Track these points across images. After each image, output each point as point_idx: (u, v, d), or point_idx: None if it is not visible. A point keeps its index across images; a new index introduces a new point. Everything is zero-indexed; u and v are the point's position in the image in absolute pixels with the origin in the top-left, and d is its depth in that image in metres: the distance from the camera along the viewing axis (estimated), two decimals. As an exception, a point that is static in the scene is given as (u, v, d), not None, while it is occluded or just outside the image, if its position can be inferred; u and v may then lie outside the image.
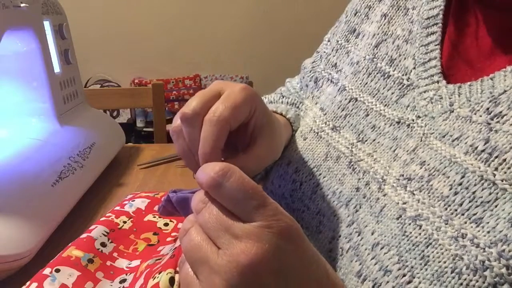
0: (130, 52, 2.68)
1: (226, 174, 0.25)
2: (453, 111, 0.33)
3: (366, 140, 0.40)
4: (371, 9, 0.48)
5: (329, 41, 0.53)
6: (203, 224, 0.26)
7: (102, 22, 2.61)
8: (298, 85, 0.59)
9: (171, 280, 0.34)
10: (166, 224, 0.51)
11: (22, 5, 0.59)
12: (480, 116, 0.31)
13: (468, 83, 0.33)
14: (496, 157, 0.28)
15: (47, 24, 0.68)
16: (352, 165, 0.39)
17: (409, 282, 0.29)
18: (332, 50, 0.51)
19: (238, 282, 0.23)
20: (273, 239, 0.24)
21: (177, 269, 0.35)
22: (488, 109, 0.31)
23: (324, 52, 0.53)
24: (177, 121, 0.34)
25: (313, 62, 0.55)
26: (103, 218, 0.50)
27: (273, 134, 0.38)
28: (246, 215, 0.25)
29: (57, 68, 0.70)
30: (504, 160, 0.28)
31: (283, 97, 0.56)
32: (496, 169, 0.28)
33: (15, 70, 0.66)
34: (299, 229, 0.26)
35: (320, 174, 0.42)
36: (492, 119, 0.30)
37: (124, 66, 2.70)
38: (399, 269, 0.30)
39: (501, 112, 0.30)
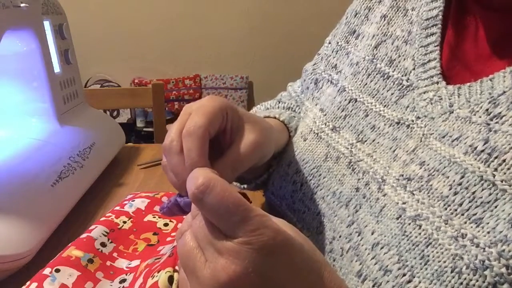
0: (130, 52, 2.68)
1: (206, 190, 0.24)
2: (452, 112, 0.33)
3: (365, 141, 0.40)
4: (371, 10, 0.48)
5: (329, 43, 0.54)
6: (195, 232, 0.26)
7: (102, 22, 2.61)
8: (300, 88, 0.59)
9: (170, 279, 0.34)
10: (166, 224, 0.51)
11: (22, 5, 0.59)
12: (480, 117, 0.31)
13: (468, 84, 0.33)
14: (496, 157, 0.28)
15: (47, 24, 0.68)
16: (352, 165, 0.40)
17: (409, 281, 0.29)
18: (332, 52, 0.51)
19: None
20: (253, 255, 0.23)
21: (176, 267, 0.35)
22: (487, 110, 0.31)
23: (325, 54, 0.53)
24: (163, 157, 0.36)
25: (314, 65, 0.55)
26: (103, 218, 0.50)
27: (254, 131, 0.37)
28: (228, 230, 0.24)
29: (57, 68, 0.70)
30: (504, 160, 0.28)
31: (280, 102, 0.57)
32: (495, 169, 0.28)
33: (15, 70, 0.66)
34: (284, 240, 0.25)
35: (320, 175, 0.42)
36: (491, 119, 0.30)
37: (124, 66, 2.70)
38: (399, 268, 0.30)
39: (500, 112, 0.30)
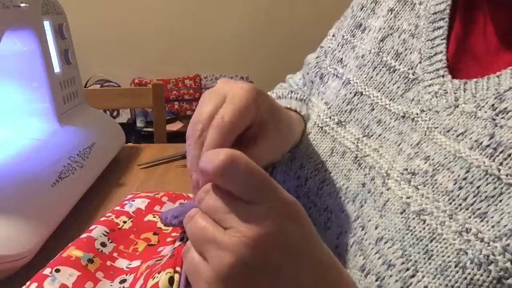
0: (130, 52, 2.68)
1: (232, 161, 0.25)
2: (458, 106, 0.33)
3: (372, 135, 0.39)
4: (377, 4, 0.47)
5: (333, 36, 0.53)
6: (207, 210, 0.26)
7: (102, 22, 2.60)
8: (301, 81, 0.58)
9: (171, 280, 0.34)
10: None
11: (22, 5, 0.59)
12: (485, 112, 0.31)
13: (474, 79, 0.33)
14: (501, 152, 0.28)
15: (47, 24, 0.68)
16: (358, 160, 0.39)
17: (412, 276, 0.29)
18: (338, 45, 0.50)
19: (248, 254, 0.23)
20: (279, 218, 0.24)
21: (177, 268, 0.35)
22: (493, 105, 0.31)
23: (329, 47, 0.53)
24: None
25: (317, 57, 0.55)
26: (103, 218, 0.49)
27: (279, 129, 0.37)
28: (252, 197, 0.25)
29: (57, 68, 0.70)
30: (509, 155, 0.28)
31: (292, 93, 0.55)
32: (501, 164, 0.28)
33: (15, 70, 0.66)
34: (302, 209, 0.26)
35: (325, 170, 0.42)
36: (497, 115, 0.30)
37: (124, 66, 2.70)
38: (403, 263, 0.30)
39: (506, 108, 0.30)
